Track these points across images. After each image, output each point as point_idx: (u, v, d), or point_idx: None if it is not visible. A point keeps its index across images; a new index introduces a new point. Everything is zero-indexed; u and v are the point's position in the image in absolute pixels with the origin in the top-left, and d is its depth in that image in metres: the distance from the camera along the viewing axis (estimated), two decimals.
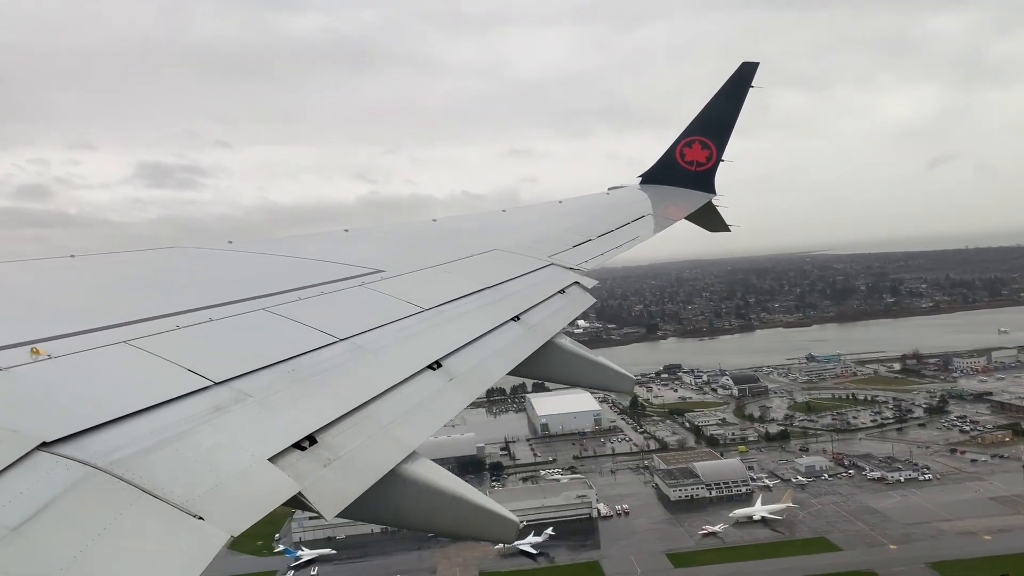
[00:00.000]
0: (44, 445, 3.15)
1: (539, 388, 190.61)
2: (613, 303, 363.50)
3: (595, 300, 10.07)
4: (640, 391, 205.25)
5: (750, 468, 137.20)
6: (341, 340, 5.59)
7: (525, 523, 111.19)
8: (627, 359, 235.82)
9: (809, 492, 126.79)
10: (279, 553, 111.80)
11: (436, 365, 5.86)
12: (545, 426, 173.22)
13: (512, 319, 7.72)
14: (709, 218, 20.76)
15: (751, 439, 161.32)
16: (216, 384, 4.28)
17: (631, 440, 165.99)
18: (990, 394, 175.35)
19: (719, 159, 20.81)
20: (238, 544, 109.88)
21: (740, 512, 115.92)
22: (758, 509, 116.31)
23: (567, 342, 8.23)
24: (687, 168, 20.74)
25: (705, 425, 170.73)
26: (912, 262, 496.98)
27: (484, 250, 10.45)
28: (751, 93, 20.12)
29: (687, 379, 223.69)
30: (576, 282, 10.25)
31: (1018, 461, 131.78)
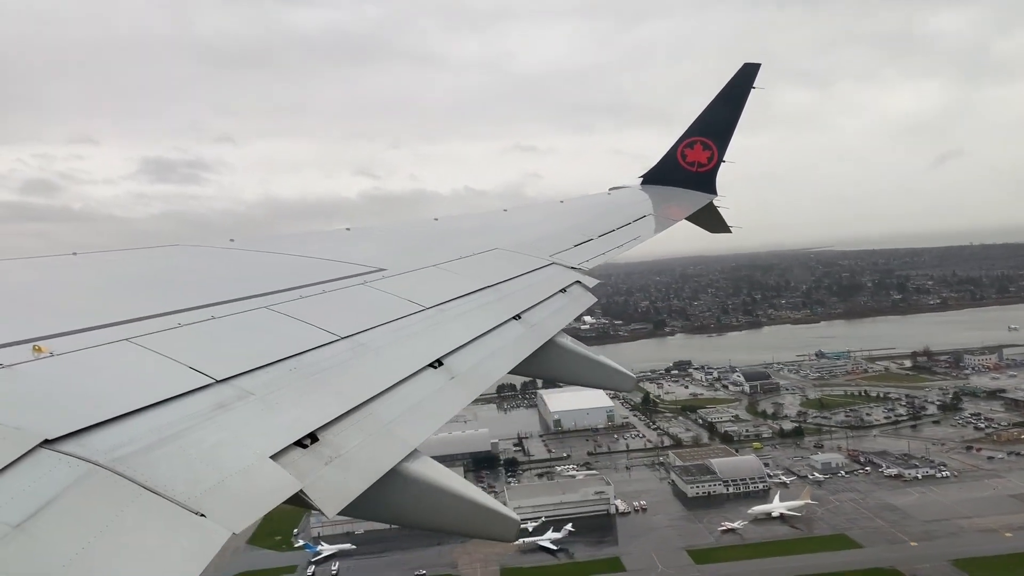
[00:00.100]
0: (46, 442, 3.18)
1: (551, 384, 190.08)
2: (619, 299, 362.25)
3: (596, 299, 10.06)
4: (651, 387, 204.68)
5: (766, 464, 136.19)
6: (343, 338, 5.60)
7: (543, 519, 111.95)
8: (635, 356, 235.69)
9: (827, 489, 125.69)
10: (299, 548, 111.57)
11: (437, 364, 5.88)
12: (558, 422, 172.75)
13: (513, 318, 7.72)
14: (710, 219, 20.72)
15: (765, 436, 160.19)
16: (218, 382, 4.31)
17: (644, 436, 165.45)
18: (1004, 391, 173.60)
19: (720, 160, 20.76)
20: (257, 539, 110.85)
21: (759, 509, 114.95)
22: (777, 506, 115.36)
23: (568, 341, 8.22)
24: (688, 169, 20.71)
25: (718, 421, 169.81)
26: (917, 259, 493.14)
27: (485, 249, 10.44)
28: (753, 93, 20.07)
29: (697, 375, 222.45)
30: (577, 281, 10.23)
31: None
